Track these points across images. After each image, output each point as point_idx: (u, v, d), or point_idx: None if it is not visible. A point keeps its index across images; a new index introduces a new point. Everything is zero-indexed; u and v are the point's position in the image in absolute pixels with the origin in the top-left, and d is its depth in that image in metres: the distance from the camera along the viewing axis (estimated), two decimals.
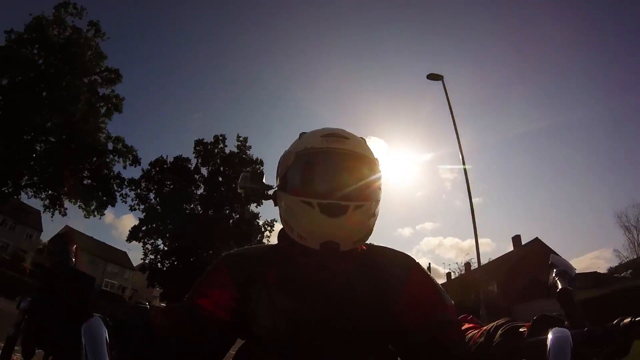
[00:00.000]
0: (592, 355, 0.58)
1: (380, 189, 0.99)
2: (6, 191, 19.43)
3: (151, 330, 0.75)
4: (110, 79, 21.67)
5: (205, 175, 27.10)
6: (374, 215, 0.97)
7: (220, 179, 26.64)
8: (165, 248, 25.72)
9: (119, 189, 22.74)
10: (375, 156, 1.01)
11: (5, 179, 18.95)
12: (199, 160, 27.30)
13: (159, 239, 25.74)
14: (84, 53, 20.77)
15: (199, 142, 27.28)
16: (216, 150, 27.32)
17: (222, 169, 26.82)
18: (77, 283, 0.62)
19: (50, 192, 20.68)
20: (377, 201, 0.97)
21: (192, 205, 26.24)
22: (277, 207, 1.04)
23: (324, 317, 0.86)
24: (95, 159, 21.39)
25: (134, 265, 48.94)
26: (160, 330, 0.78)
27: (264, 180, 1.12)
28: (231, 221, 26.18)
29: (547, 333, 0.57)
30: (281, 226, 1.03)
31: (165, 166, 26.07)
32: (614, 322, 0.59)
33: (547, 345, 0.55)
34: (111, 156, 21.95)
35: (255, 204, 25.89)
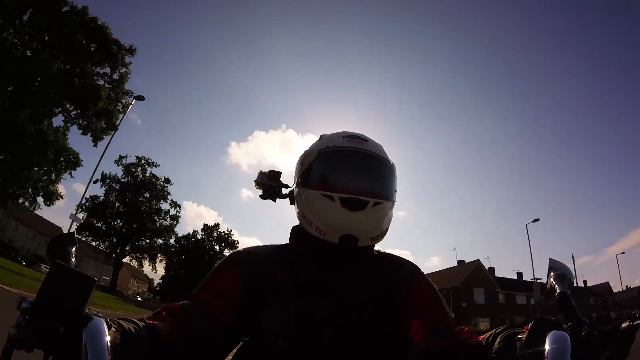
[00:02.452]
0: (591, 359, 0.57)
1: (396, 191, 1.03)
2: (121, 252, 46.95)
3: (155, 337, 0.76)
4: (175, 208, 49.90)
5: (207, 246, 56.04)
6: (389, 216, 1.01)
7: (215, 249, 56.07)
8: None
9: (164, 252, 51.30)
10: (392, 162, 1.04)
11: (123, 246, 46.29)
12: (203, 234, 56.87)
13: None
14: (160, 190, 47.19)
15: (205, 225, 57.03)
16: (215, 231, 56.91)
17: (215, 245, 56.19)
18: (77, 284, 0.61)
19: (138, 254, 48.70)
20: (393, 202, 1.01)
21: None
22: (293, 207, 1.09)
23: (331, 319, 0.89)
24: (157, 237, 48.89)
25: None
26: (164, 336, 0.78)
27: (281, 179, 1.17)
28: None
29: (546, 337, 0.57)
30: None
31: (186, 241, 55.49)
32: (613, 325, 0.59)
33: (546, 349, 0.55)
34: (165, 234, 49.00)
35: None
